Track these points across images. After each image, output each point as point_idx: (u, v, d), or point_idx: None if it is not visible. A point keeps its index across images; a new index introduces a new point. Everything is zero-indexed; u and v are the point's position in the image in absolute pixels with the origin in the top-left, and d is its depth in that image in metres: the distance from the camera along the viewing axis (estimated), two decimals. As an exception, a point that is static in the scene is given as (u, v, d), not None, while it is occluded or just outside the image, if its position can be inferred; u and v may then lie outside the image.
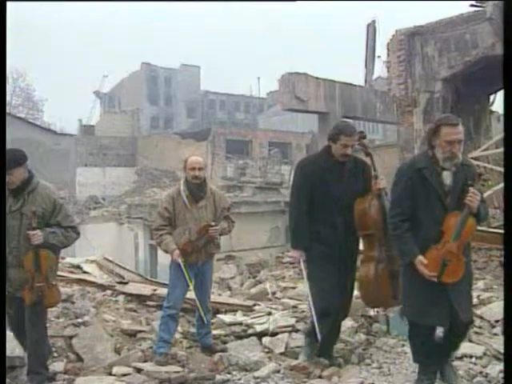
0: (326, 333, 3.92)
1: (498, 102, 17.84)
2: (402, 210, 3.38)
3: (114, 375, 3.99)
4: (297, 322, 5.19)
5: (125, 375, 3.97)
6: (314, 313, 3.91)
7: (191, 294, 4.62)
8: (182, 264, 4.39)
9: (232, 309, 5.84)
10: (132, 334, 4.96)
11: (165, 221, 4.51)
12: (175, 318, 4.54)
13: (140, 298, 6.02)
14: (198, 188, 4.51)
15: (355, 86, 24.55)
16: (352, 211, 3.90)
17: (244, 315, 5.61)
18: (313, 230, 3.94)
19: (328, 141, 3.97)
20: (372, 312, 5.43)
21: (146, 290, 6.17)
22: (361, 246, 4.10)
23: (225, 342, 4.87)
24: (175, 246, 4.43)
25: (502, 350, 3.56)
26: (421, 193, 3.33)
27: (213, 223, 4.46)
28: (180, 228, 4.49)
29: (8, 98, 39.88)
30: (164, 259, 8.32)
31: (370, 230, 3.87)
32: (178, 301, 4.55)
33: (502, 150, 9.49)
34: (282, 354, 4.60)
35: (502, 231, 6.56)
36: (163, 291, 5.58)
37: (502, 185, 8.23)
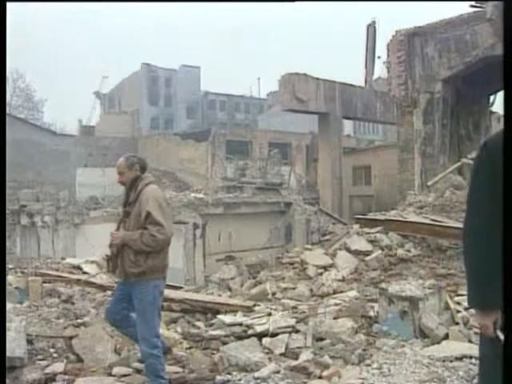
0: None
1: (498, 102, 17.90)
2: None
3: (114, 376, 4.00)
4: (297, 322, 5.20)
5: (125, 376, 3.98)
6: None
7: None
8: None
9: (232, 309, 5.84)
10: (132, 335, 4.96)
11: None
12: (116, 324, 4.06)
13: (140, 299, 6.01)
14: (125, 192, 3.99)
15: (355, 86, 24.59)
16: None
17: (244, 316, 5.61)
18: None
19: None
20: (372, 313, 5.44)
21: (146, 290, 6.16)
22: None
23: (225, 343, 4.88)
24: None
25: (502, 351, 3.54)
26: None
27: (115, 231, 3.95)
28: None
29: (8, 98, 39.90)
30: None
31: None
32: (109, 308, 4.10)
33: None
34: (281, 354, 4.61)
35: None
36: (163, 292, 5.57)
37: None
